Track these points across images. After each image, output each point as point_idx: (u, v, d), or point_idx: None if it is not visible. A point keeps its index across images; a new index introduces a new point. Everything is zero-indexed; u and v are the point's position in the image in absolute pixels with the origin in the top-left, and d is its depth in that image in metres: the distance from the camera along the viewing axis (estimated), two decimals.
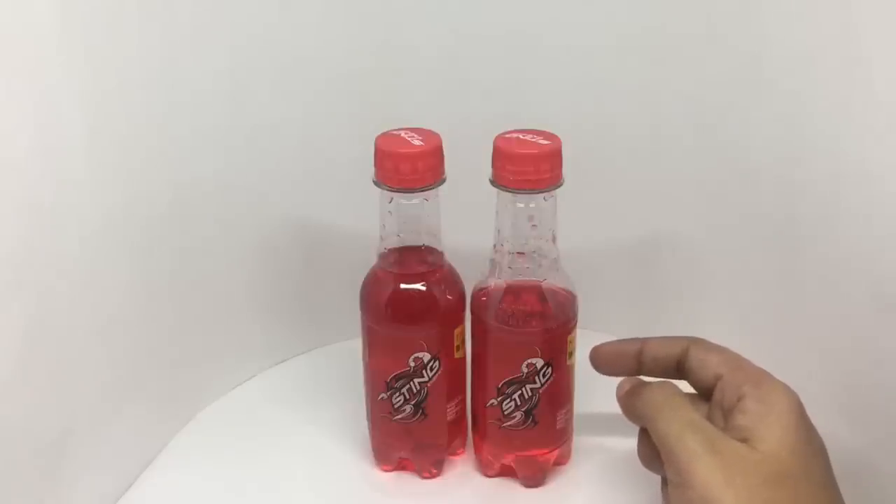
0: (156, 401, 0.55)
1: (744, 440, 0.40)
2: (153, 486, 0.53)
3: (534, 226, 0.48)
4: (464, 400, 0.53)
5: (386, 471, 0.54)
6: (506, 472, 0.53)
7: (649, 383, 0.47)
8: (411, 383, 0.50)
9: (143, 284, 0.52)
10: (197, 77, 0.52)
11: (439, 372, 0.50)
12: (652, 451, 0.45)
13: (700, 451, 0.40)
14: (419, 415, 0.51)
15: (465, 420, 0.54)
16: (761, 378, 0.43)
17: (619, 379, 0.49)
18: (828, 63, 0.47)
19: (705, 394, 0.46)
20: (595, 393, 0.51)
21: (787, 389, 0.42)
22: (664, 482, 0.44)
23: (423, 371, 0.50)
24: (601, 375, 0.50)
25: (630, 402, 0.47)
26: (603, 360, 0.50)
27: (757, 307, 0.56)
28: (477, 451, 0.54)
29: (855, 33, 0.45)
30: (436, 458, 0.54)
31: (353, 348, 0.53)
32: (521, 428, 0.51)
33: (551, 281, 0.49)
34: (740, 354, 0.46)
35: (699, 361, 0.46)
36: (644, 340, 0.48)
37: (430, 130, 0.48)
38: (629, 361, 0.48)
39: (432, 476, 0.54)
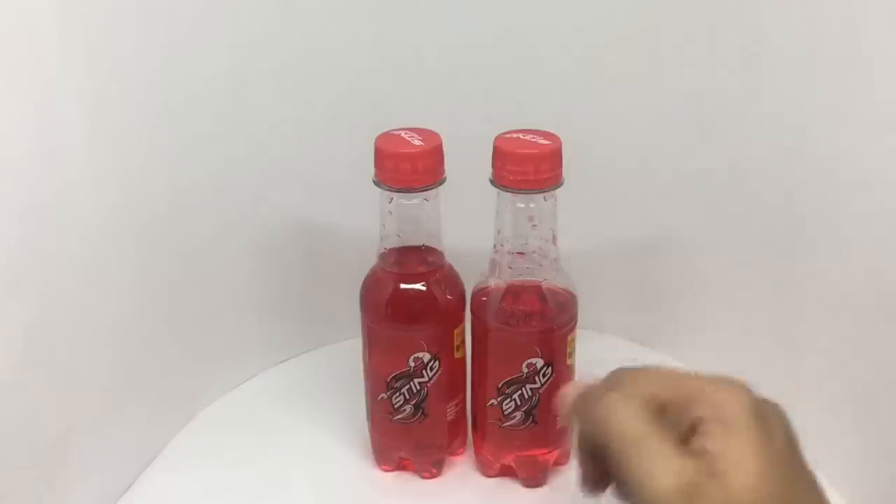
0: (156, 401, 0.55)
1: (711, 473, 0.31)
2: (153, 486, 0.53)
3: (534, 226, 0.48)
4: (464, 400, 0.53)
5: (386, 471, 0.54)
6: (506, 472, 0.53)
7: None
8: (411, 383, 0.50)
9: (143, 284, 0.52)
10: (197, 77, 0.52)
11: (439, 372, 0.50)
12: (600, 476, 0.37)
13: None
14: (419, 415, 0.51)
15: (465, 420, 0.54)
16: (702, 390, 0.34)
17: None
18: (828, 63, 0.47)
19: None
20: None
21: (732, 390, 0.34)
22: None
23: (423, 371, 0.50)
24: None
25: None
26: None
27: (757, 307, 0.56)
28: (477, 451, 0.54)
29: (855, 33, 0.45)
30: (436, 458, 0.54)
31: (353, 348, 0.53)
32: (521, 428, 0.51)
33: (551, 281, 0.49)
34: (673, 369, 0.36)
35: None
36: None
37: (430, 130, 0.48)
38: None
39: (432, 476, 0.54)
